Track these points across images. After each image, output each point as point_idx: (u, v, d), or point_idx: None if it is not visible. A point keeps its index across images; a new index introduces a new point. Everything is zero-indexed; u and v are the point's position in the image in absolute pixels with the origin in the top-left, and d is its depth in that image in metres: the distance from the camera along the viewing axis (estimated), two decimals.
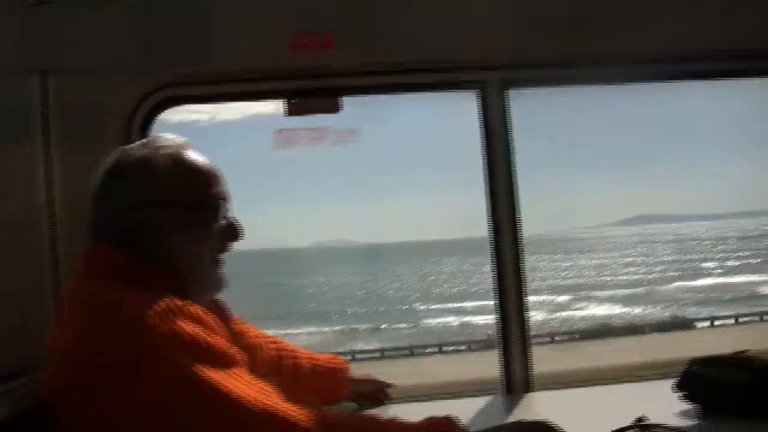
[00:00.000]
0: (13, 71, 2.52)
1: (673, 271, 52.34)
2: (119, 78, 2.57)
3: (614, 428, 1.87)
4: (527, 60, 2.75)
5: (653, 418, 1.92)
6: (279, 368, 2.26)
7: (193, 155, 1.87)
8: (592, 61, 2.80)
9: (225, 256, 1.91)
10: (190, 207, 1.82)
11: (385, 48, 2.63)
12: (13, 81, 2.52)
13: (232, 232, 1.89)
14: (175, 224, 1.79)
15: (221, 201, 1.87)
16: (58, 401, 1.60)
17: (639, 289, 43.62)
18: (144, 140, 1.90)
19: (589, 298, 42.03)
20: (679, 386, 2.23)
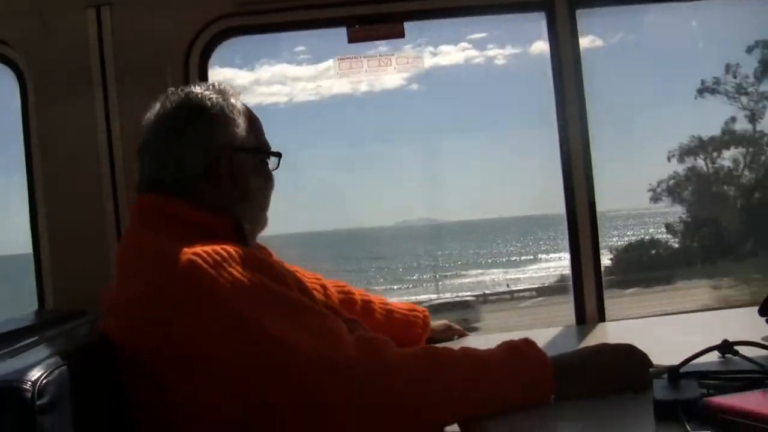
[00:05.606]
0: (68, 6, 2.49)
1: None
2: (175, 10, 2.52)
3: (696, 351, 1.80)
4: None
5: None
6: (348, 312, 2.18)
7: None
8: None
9: None
10: (258, 152, 1.87)
11: None
12: (68, 16, 2.49)
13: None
14: (251, 169, 1.83)
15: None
16: (118, 345, 1.62)
17: None
18: (189, 87, 1.87)
19: None
20: (765, 311, 2.13)
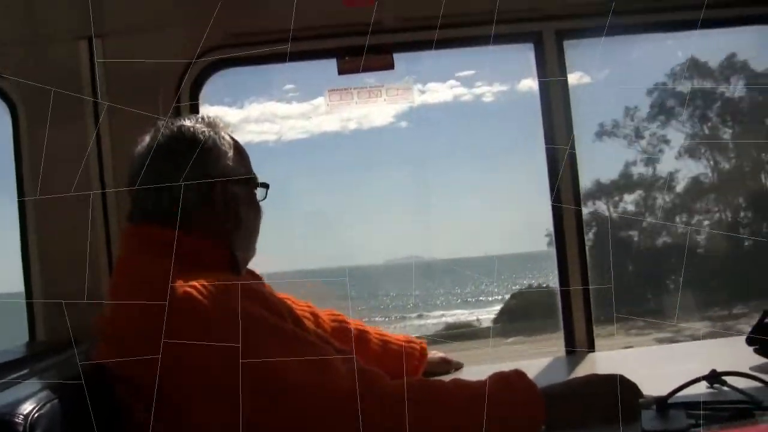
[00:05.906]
0: (59, 37, 2.51)
1: None
2: (166, 41, 2.55)
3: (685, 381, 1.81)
4: (584, 8, 2.65)
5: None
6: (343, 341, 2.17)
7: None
8: (657, 7, 2.69)
9: None
10: (250, 183, 1.93)
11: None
12: (60, 47, 2.51)
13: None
14: (243, 199, 1.89)
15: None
16: (113, 371, 1.62)
17: None
18: (180, 120, 1.89)
19: None
20: (752, 340, 2.14)
